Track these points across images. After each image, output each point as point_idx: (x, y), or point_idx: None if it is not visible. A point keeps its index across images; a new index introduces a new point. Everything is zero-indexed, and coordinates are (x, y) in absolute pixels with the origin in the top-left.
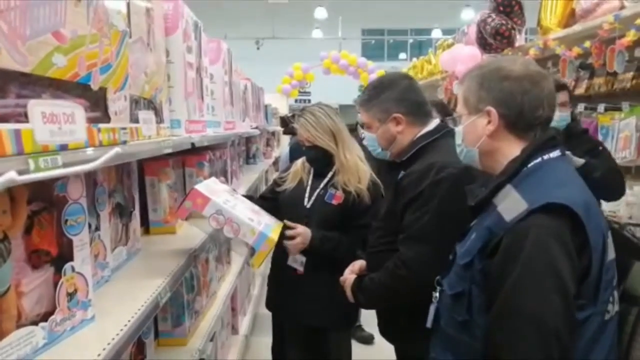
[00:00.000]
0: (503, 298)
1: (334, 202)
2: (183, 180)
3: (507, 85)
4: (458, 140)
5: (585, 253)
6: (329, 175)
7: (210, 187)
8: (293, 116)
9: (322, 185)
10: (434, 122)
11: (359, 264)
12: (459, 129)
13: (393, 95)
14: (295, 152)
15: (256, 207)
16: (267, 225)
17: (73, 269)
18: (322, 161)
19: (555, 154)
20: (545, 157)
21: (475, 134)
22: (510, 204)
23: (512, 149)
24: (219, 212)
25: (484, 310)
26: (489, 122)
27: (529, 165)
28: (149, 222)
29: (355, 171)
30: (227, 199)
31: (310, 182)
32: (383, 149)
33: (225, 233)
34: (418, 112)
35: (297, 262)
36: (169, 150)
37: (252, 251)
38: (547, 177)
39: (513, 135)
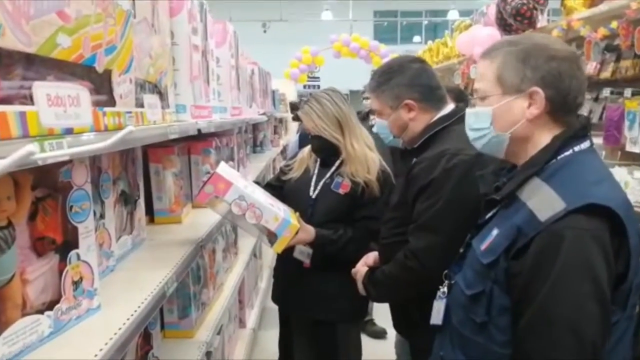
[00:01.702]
0: (538, 303)
1: (341, 190)
2: (188, 167)
3: (555, 65)
4: (484, 123)
5: (622, 257)
6: (336, 164)
7: (229, 172)
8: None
9: (328, 174)
10: (449, 107)
11: (372, 256)
12: (486, 111)
13: (404, 81)
14: (304, 139)
15: (268, 194)
16: (285, 212)
17: (78, 257)
18: (327, 151)
19: (586, 145)
20: (576, 148)
21: (510, 118)
22: (544, 202)
23: (545, 137)
24: (242, 198)
25: (504, 312)
26: (530, 104)
27: (559, 158)
28: (154, 211)
29: (364, 161)
30: (245, 184)
31: (316, 171)
32: (395, 137)
33: (247, 219)
34: (431, 97)
35: (303, 254)
36: (175, 136)
37: (274, 237)
38: (583, 173)
39: (552, 122)
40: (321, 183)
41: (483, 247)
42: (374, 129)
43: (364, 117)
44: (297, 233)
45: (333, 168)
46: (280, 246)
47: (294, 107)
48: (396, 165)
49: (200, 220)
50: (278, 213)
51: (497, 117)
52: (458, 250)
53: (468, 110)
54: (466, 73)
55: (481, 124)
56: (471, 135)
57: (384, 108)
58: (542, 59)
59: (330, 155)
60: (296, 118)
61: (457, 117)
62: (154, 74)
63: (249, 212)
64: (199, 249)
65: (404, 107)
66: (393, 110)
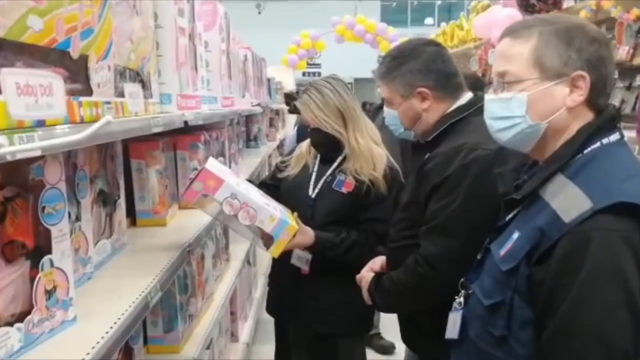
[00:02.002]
0: (563, 313)
1: (344, 189)
2: (174, 164)
3: (598, 49)
4: (517, 111)
5: None
6: (338, 160)
7: (219, 168)
8: (299, 92)
9: (329, 171)
10: (466, 97)
11: (379, 261)
12: (521, 97)
13: (417, 66)
14: (302, 132)
15: (263, 193)
16: (282, 212)
17: (52, 264)
18: (328, 145)
19: (615, 137)
20: (605, 141)
21: (549, 105)
22: (569, 201)
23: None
24: (234, 196)
25: (526, 324)
26: (572, 90)
27: (585, 152)
28: (136, 213)
29: (369, 157)
30: (238, 182)
31: (316, 168)
32: (406, 129)
33: (240, 220)
34: (447, 85)
35: (301, 260)
36: (159, 129)
37: (270, 240)
38: (611, 168)
39: (588, 111)
40: (321, 181)
41: (502, 252)
42: (386, 121)
43: (380, 107)
44: (295, 235)
45: (335, 165)
46: (277, 250)
47: (289, 98)
48: (406, 162)
49: (187, 223)
50: (274, 213)
51: (534, 105)
52: (475, 256)
53: (490, 97)
54: (484, 59)
55: (513, 112)
56: (496, 125)
57: (394, 97)
58: (585, 40)
59: (332, 150)
60: (293, 110)
61: (476, 108)
62: (136, 60)
63: (242, 212)
64: (186, 254)
65: (417, 96)
66: (404, 99)
